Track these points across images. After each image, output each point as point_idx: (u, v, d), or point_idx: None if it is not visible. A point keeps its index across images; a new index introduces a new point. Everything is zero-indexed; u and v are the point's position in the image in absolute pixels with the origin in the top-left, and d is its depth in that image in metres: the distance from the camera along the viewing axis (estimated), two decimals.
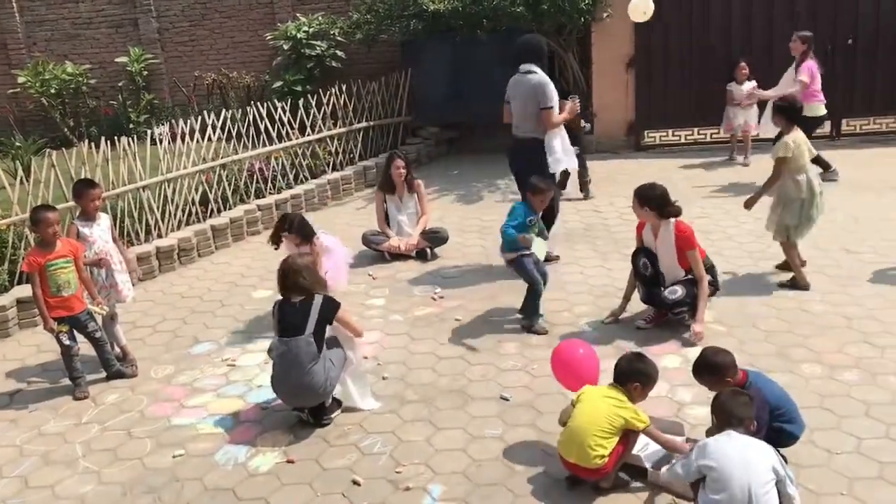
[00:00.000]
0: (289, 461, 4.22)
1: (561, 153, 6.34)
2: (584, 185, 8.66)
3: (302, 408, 4.55)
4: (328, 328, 4.51)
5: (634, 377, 3.85)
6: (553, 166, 6.32)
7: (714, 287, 5.47)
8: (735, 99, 9.33)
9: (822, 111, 8.34)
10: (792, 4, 9.97)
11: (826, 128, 10.23)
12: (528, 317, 5.59)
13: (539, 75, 6.32)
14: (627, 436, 3.78)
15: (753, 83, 9.20)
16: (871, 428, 4.14)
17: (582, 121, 8.61)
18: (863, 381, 4.59)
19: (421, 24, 10.15)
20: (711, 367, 3.77)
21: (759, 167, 8.68)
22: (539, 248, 5.55)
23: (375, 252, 7.28)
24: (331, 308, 4.49)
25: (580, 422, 3.76)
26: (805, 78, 8.15)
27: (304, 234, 5.81)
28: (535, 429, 4.37)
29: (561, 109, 6.39)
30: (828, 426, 4.17)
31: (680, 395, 4.61)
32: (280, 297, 4.56)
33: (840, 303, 5.64)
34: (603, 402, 3.78)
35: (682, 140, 10.65)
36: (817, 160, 7.57)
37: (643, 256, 5.48)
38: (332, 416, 4.58)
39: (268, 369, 4.80)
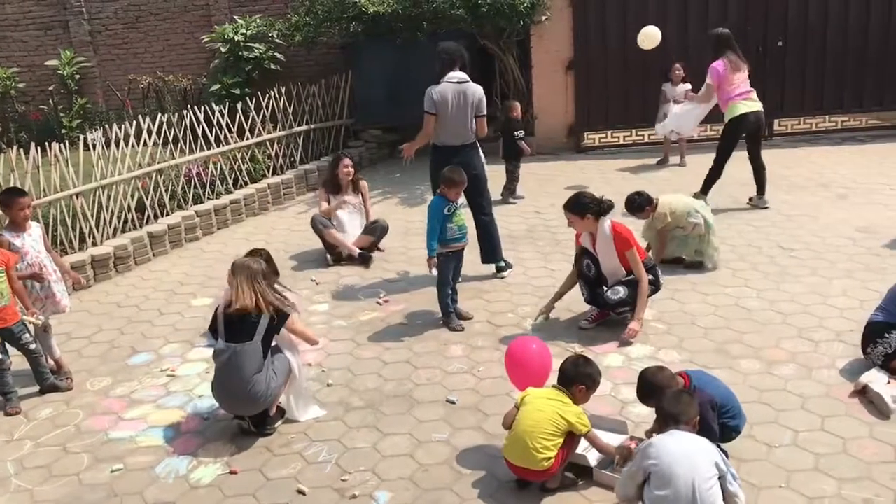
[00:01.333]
0: (232, 472, 4.14)
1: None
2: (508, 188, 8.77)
3: (244, 417, 4.47)
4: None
5: (579, 380, 3.87)
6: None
7: (655, 286, 5.55)
8: (669, 99, 9.50)
9: (741, 110, 7.64)
10: (725, 8, 10.20)
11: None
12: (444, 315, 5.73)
13: (475, 85, 6.27)
14: (571, 437, 3.80)
15: (688, 86, 9.35)
16: (807, 421, 4.25)
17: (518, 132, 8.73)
18: (799, 376, 4.72)
19: (361, 27, 10.10)
20: (652, 389, 3.78)
21: (693, 168, 8.87)
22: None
23: (322, 249, 7.21)
24: (281, 316, 4.42)
25: (525, 425, 3.77)
26: (710, 81, 7.71)
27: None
28: (481, 431, 4.37)
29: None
30: (766, 420, 4.26)
31: (623, 393, 4.67)
32: (223, 302, 4.47)
33: (776, 299, 5.78)
34: (547, 405, 3.80)
35: (621, 141, 10.81)
36: (758, 175, 7.89)
37: (586, 258, 5.53)
38: (276, 424, 4.51)
39: (209, 378, 4.70)
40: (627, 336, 5.28)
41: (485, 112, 6.25)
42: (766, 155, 8.01)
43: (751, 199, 7.94)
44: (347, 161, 7.34)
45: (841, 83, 10.32)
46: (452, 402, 4.69)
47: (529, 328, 5.60)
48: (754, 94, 7.73)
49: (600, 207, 5.38)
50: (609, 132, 10.87)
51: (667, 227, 6.35)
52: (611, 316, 5.52)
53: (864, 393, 4.41)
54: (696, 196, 7.46)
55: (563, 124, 10.72)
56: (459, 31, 9.79)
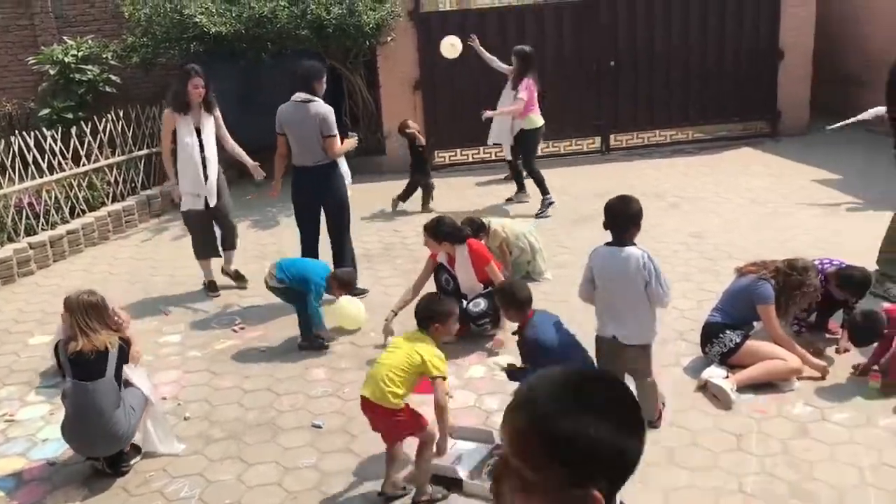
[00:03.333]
0: None
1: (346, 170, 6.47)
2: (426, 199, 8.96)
3: (98, 457, 4.20)
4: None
5: (433, 318, 3.92)
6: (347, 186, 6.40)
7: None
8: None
9: (541, 122, 8.60)
10: (560, 28, 10.71)
11: (597, 143, 11.13)
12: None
13: (319, 103, 6.15)
14: (423, 389, 3.86)
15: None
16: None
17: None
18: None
19: (202, 47, 9.81)
20: (517, 301, 4.27)
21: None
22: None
23: (172, 278, 6.90)
24: (127, 346, 4.21)
25: (381, 361, 3.85)
26: (524, 95, 8.36)
27: None
28: (350, 454, 4.33)
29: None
30: None
31: (487, 403, 4.77)
32: (63, 338, 4.20)
33: None
34: (404, 343, 3.89)
35: (471, 159, 11.06)
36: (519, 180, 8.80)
37: (444, 273, 5.62)
38: (132, 462, 4.28)
39: (54, 421, 4.39)
40: (494, 346, 5.40)
41: (332, 132, 6.14)
42: (606, 169, 8.47)
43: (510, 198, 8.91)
44: (199, 80, 6.37)
45: (669, 100, 11.06)
46: (318, 427, 4.62)
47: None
48: None
49: (459, 236, 5.53)
50: (459, 150, 11.10)
51: (506, 242, 6.52)
52: (471, 328, 5.62)
53: (706, 388, 4.73)
54: (538, 212, 8.19)
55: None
56: (305, 51, 9.73)
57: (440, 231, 5.56)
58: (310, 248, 6.47)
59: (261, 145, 10.65)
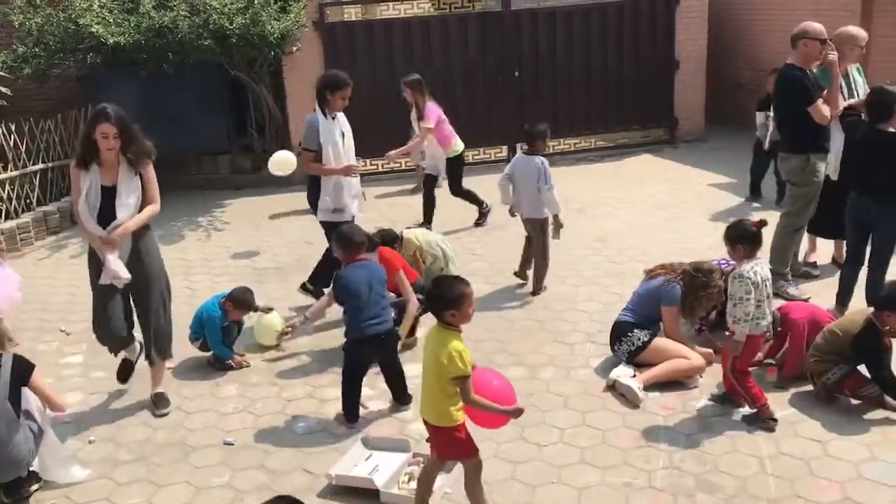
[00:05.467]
0: None
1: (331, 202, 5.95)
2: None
3: None
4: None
5: (445, 305, 3.52)
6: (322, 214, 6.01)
7: (423, 306, 5.70)
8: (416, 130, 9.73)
9: (461, 146, 8.32)
10: (465, 39, 10.84)
11: (504, 152, 11.30)
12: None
13: (310, 115, 5.95)
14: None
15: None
16: (570, 418, 4.61)
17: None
18: (559, 377, 5.10)
19: (100, 58, 9.49)
20: (349, 242, 4.80)
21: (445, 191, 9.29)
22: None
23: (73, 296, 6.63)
24: (25, 367, 4.02)
25: (424, 374, 3.59)
26: (430, 124, 8.06)
27: None
28: (263, 470, 4.27)
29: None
30: (535, 422, 4.56)
31: (403, 413, 4.77)
32: None
33: (533, 307, 6.21)
34: (429, 347, 3.56)
35: (380, 169, 11.06)
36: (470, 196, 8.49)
37: None
38: (32, 488, 4.09)
39: None
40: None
41: (306, 145, 5.92)
42: None
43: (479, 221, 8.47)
44: (107, 127, 4.45)
45: (572, 109, 11.33)
46: (230, 444, 4.53)
47: (307, 359, 5.57)
48: None
49: (371, 243, 5.50)
50: (368, 160, 11.06)
51: (419, 250, 6.56)
52: None
53: (614, 387, 4.87)
54: (477, 221, 8.40)
55: None
56: (208, 62, 9.54)
57: (352, 240, 5.51)
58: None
59: (163, 156, 10.43)
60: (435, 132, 8.13)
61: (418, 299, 5.53)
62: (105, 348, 5.03)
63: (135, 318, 4.95)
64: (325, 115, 5.88)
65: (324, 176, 5.92)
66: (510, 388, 3.71)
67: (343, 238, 4.85)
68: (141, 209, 4.73)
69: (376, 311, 4.63)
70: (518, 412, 3.56)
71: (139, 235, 4.78)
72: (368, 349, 4.65)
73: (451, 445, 3.58)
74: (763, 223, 4.56)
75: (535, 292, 6.43)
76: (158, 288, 4.88)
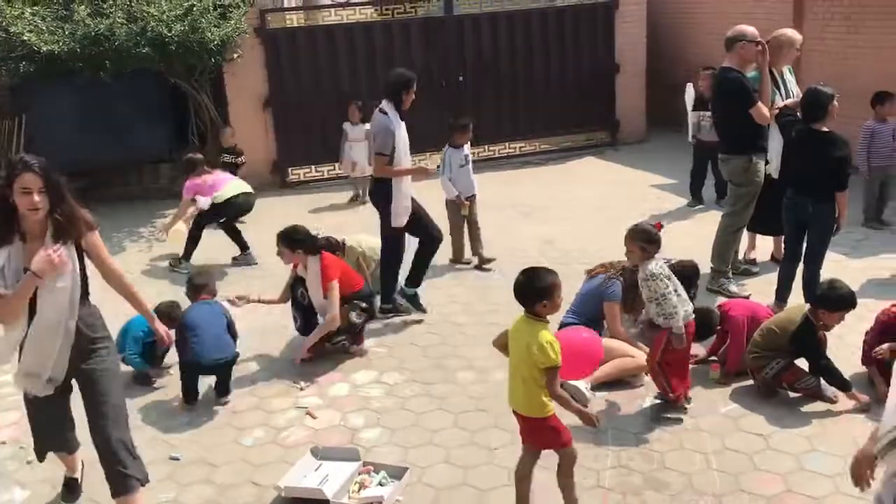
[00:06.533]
0: None
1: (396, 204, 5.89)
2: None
3: None
4: None
5: (538, 296, 3.55)
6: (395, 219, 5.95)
7: (368, 314, 5.66)
8: (349, 139, 9.57)
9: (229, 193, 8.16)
10: (408, 46, 10.84)
11: None
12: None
13: (381, 118, 5.86)
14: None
15: (367, 126, 8.93)
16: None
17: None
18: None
19: (33, 67, 9.23)
20: (191, 284, 5.27)
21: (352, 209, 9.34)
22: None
23: None
24: None
25: (511, 365, 3.64)
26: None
27: None
28: (211, 484, 4.19)
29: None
30: (486, 426, 4.58)
31: (352, 421, 4.74)
32: None
33: (482, 311, 6.24)
34: (517, 337, 3.61)
35: (326, 175, 10.98)
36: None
37: (301, 286, 5.54)
38: None
39: None
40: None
41: (378, 150, 5.84)
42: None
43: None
44: (31, 180, 3.30)
45: (517, 113, 11.43)
46: (176, 459, 4.44)
47: (256, 367, 5.50)
48: None
49: (313, 244, 5.45)
50: (313, 167, 11.00)
51: (363, 256, 6.54)
52: (325, 346, 5.56)
53: (561, 388, 4.90)
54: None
55: (266, 160, 10.67)
56: (148, 69, 9.36)
57: (291, 238, 5.47)
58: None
59: (101, 165, 10.23)
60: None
61: (361, 308, 5.49)
62: None
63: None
64: (399, 116, 5.88)
65: (396, 178, 5.84)
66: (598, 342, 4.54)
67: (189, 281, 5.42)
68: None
69: (214, 344, 4.96)
70: (590, 419, 3.64)
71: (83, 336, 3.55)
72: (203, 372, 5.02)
73: (544, 435, 3.64)
74: (660, 225, 4.70)
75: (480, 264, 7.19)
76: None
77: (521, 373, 3.57)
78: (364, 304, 5.57)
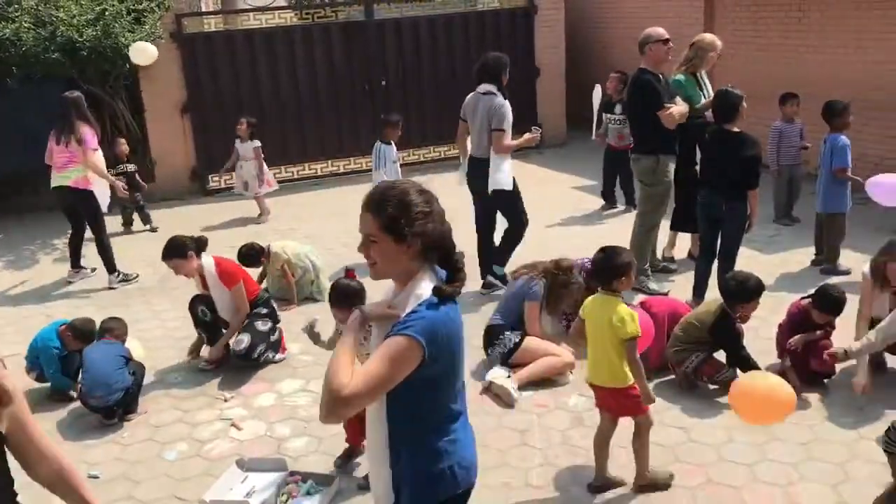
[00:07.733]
0: None
1: (505, 174, 6.30)
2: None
3: None
4: None
5: (616, 273, 3.79)
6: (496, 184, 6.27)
7: (273, 320, 5.55)
8: (240, 156, 9.20)
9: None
10: (330, 52, 10.77)
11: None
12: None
13: (497, 97, 6.21)
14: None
15: (257, 143, 9.10)
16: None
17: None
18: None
19: None
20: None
21: (284, 211, 9.20)
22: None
23: None
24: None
25: (591, 341, 3.85)
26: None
27: None
28: (133, 501, 4.08)
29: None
30: None
31: (279, 431, 4.68)
32: None
33: None
34: (595, 312, 3.83)
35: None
36: None
37: (200, 303, 5.44)
38: None
39: None
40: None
41: (500, 126, 6.17)
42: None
43: None
44: None
45: (440, 117, 11.28)
46: (95, 477, 4.29)
47: (177, 379, 5.38)
48: None
49: (198, 244, 5.34)
50: (233, 174, 10.77)
51: (288, 263, 6.47)
52: (230, 359, 5.46)
53: (489, 389, 4.95)
54: None
55: (185, 167, 10.45)
56: (57, 75, 9.04)
57: (176, 246, 5.31)
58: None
59: (13, 173, 9.79)
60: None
61: (261, 313, 5.40)
62: None
63: None
64: (504, 96, 6.26)
65: (506, 153, 6.30)
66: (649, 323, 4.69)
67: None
68: None
69: (101, 381, 4.74)
70: (649, 397, 3.85)
71: None
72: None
73: (627, 403, 3.82)
74: (353, 274, 4.73)
75: None
76: None
77: (603, 347, 3.75)
78: (265, 310, 5.48)
